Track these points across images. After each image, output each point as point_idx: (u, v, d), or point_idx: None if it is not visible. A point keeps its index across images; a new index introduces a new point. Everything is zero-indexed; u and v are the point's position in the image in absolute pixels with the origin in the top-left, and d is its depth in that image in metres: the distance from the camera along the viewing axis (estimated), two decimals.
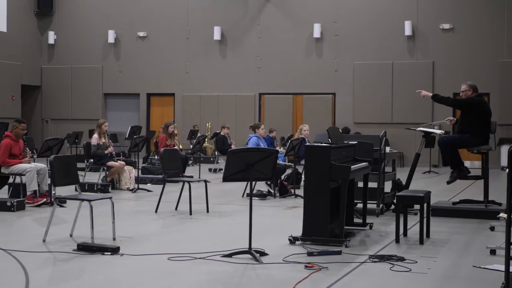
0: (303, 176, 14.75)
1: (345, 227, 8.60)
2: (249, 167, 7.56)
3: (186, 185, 11.40)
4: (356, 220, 9.84)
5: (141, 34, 26.85)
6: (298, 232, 8.49)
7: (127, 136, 22.07)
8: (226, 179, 7.75)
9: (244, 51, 25.55)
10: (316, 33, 24.48)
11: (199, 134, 21.84)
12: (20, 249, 7.79)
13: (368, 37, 24.13)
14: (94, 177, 15.11)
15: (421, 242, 8.53)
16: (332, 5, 24.61)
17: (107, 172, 14.49)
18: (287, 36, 24.98)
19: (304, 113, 24.74)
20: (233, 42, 25.71)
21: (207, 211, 11.17)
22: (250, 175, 7.63)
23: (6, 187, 12.22)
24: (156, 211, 11.11)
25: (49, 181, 11.75)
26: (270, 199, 13.18)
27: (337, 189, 8.53)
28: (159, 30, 26.53)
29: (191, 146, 22.44)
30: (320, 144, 8.84)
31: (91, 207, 8.15)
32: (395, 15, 23.82)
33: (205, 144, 23.45)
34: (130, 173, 14.69)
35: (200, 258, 7.48)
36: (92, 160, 14.65)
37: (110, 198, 8.73)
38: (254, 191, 12.83)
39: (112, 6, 27.19)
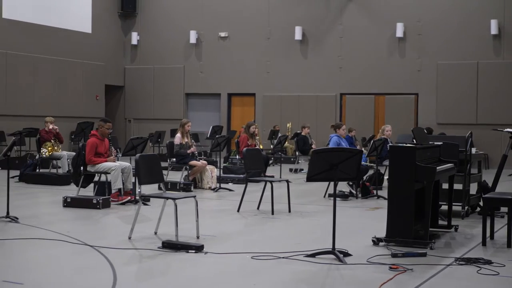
0: (385, 177, 14.65)
1: (430, 229, 8.46)
2: (333, 167, 7.51)
3: (268, 185, 11.42)
4: (440, 222, 9.66)
5: (222, 34, 27.03)
6: (381, 233, 8.40)
7: (208, 136, 22.24)
8: (310, 179, 7.73)
9: (326, 51, 25.44)
10: (399, 33, 24.18)
11: (280, 134, 21.85)
12: (107, 245, 7.92)
13: (453, 36, 23.70)
14: (176, 176, 15.28)
15: (509, 245, 8.32)
16: (415, 4, 24.27)
17: (190, 171, 14.63)
18: (369, 36, 24.77)
19: (386, 113, 24.48)
20: (314, 42, 25.64)
21: (289, 211, 11.15)
22: (334, 175, 7.57)
23: (92, 185, 12.47)
24: (238, 210, 11.16)
25: (133, 179, 11.98)
26: (352, 199, 13.08)
27: (421, 190, 8.40)
28: (241, 30, 26.65)
29: (271, 146, 22.48)
30: (405, 145, 8.72)
31: (176, 206, 8.23)
32: (481, 13, 23.32)
33: (286, 144, 23.43)
34: (212, 173, 14.80)
35: (283, 257, 7.47)
36: (174, 159, 14.81)
37: (194, 196, 8.80)
38: (336, 192, 12.72)
39: (194, 6, 27.45)
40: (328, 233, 7.78)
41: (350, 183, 13.39)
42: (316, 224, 10.24)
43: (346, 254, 7.58)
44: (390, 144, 13.68)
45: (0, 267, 6.50)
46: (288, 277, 6.68)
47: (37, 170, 15.95)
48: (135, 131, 27.35)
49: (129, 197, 11.85)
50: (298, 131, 21.83)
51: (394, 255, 7.59)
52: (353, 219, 10.78)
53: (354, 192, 13.34)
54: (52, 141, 15.91)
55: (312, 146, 19.79)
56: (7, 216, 9.72)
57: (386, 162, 14.18)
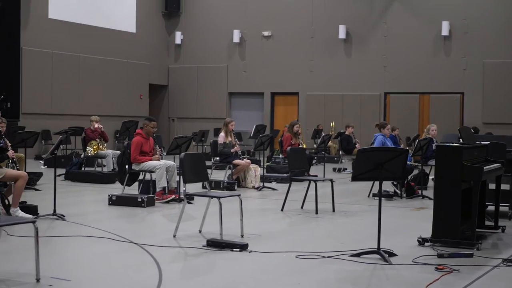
0: (430, 177, 14.52)
1: (477, 229, 8.35)
2: (378, 166, 7.45)
3: (312, 184, 11.38)
4: (487, 222, 9.53)
5: (265, 33, 27.05)
6: (426, 233, 8.31)
7: (251, 135, 22.26)
8: (355, 178, 7.68)
9: (370, 50, 25.32)
10: (444, 31, 23.96)
11: (323, 134, 21.78)
12: (152, 243, 7.97)
13: (499, 34, 23.41)
14: (220, 175, 15.32)
15: None
16: (461, 2, 24.03)
17: (233, 170, 14.66)
18: (414, 34, 24.58)
19: (431, 112, 24.27)
20: (358, 41, 25.52)
21: (333, 210, 11.10)
22: (380, 174, 7.52)
23: (137, 183, 12.55)
24: (282, 210, 11.14)
25: (177, 178, 12.04)
26: (396, 199, 12.97)
27: (468, 191, 8.30)
28: (284, 29, 26.64)
29: (314, 146, 22.43)
30: (451, 144, 8.61)
31: (220, 204, 8.25)
32: None
33: (329, 143, 23.36)
34: (255, 172, 14.81)
35: (328, 257, 7.44)
36: (218, 158, 14.85)
37: (239, 195, 8.82)
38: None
39: (237, 6, 27.51)
40: (372, 233, 7.72)
41: (395, 182, 13.29)
42: (360, 223, 10.18)
43: (391, 254, 7.52)
44: (436, 143, 13.54)
45: (48, 264, 6.56)
46: (333, 277, 6.66)
47: (83, 169, 16.12)
48: (178, 130, 27.50)
49: (173, 196, 11.91)
50: (342, 130, 21.74)
51: (440, 256, 7.51)
52: (397, 219, 10.70)
53: (398, 192, 13.23)
54: (97, 139, 16.06)
55: (356, 145, 19.69)
56: (54, 213, 9.83)
57: (431, 162, 14.07)
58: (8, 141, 10.09)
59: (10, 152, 9.88)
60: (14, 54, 22.63)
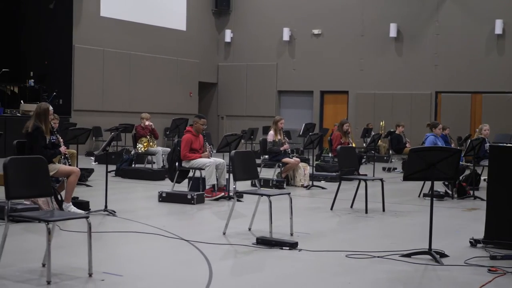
0: (482, 177, 14.32)
1: None
2: (430, 166, 7.37)
3: (361, 183, 11.31)
4: None
5: (315, 31, 26.98)
6: (478, 234, 8.20)
7: (300, 133, 22.22)
8: (406, 178, 7.61)
9: (421, 48, 25.07)
10: (498, 29, 23.59)
11: (373, 133, 21.63)
12: (202, 240, 8.00)
13: None
14: (269, 173, 15.31)
15: None
16: None
17: (282, 169, 14.64)
18: (466, 33, 24.26)
19: (483, 112, 23.93)
20: (409, 39, 25.29)
21: (383, 210, 11.02)
22: (432, 174, 7.43)
23: (186, 180, 12.61)
24: (331, 208, 11.09)
25: (227, 175, 12.07)
26: (447, 200, 12.81)
27: None
28: (334, 27, 26.53)
29: (364, 144, 22.30)
30: (505, 145, 8.48)
31: (270, 202, 8.25)
32: None
33: (379, 142, 23.18)
34: (304, 170, 14.76)
35: (378, 256, 7.38)
36: (267, 156, 14.84)
37: (289, 194, 8.80)
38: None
39: (287, 3, 27.47)
40: (422, 233, 7.65)
41: (446, 183, 13.12)
42: (411, 224, 10.09)
43: (443, 255, 7.43)
44: (488, 144, 13.36)
45: (100, 259, 6.63)
46: (383, 277, 6.60)
47: (133, 165, 16.26)
48: (227, 128, 27.58)
49: (223, 193, 11.94)
50: (392, 130, 21.57)
51: (493, 257, 7.40)
52: (449, 219, 10.57)
53: (450, 192, 13.07)
54: (148, 137, 16.18)
55: (406, 145, 19.51)
56: (105, 209, 9.94)
57: (484, 162, 13.86)
58: (60, 137, 10.21)
59: (63, 148, 10.00)
60: (67, 51, 22.97)
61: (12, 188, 6.14)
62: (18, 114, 20.82)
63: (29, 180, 6.36)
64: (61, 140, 10.16)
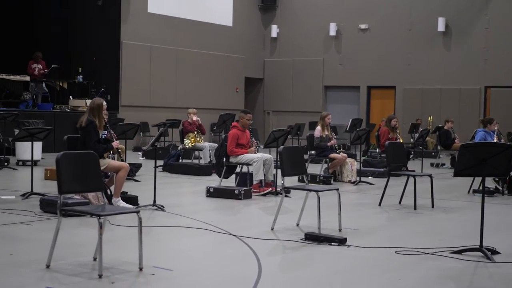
0: None
1: None
2: (481, 162, 7.27)
3: (410, 179, 11.22)
4: None
5: (362, 26, 26.81)
6: None
7: (347, 129, 22.10)
8: (457, 173, 7.52)
9: (470, 43, 24.75)
10: None
11: (421, 128, 21.44)
12: (250, 236, 8.01)
13: None
14: (316, 169, 15.28)
15: None
16: None
17: (329, 164, 14.59)
18: None
19: None
20: (458, 33, 24.98)
21: (432, 206, 10.91)
22: (483, 170, 7.33)
23: (234, 176, 12.64)
24: (379, 204, 11.02)
25: (274, 171, 12.07)
26: (497, 196, 12.64)
27: None
28: (381, 22, 26.34)
29: (411, 140, 22.11)
30: None
31: (319, 198, 8.23)
32: None
33: (427, 138, 22.97)
34: (352, 166, 14.69)
35: (428, 253, 7.32)
36: (314, 151, 14.80)
37: (337, 189, 8.76)
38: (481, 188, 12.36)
39: None
40: (472, 230, 7.55)
41: (496, 179, 12.95)
42: (461, 220, 9.98)
43: (494, 252, 7.33)
44: None
45: (150, 253, 6.69)
46: (433, 273, 6.54)
47: (180, 161, 16.35)
48: (273, 123, 27.58)
49: (270, 189, 11.94)
50: (440, 125, 21.34)
51: None
52: (499, 216, 10.43)
53: (500, 188, 12.90)
54: (195, 132, 16.24)
55: (455, 140, 19.27)
56: (154, 204, 10.01)
57: None
58: (113, 132, 10.31)
59: (115, 143, 10.09)
60: (115, 47, 23.19)
61: (64, 183, 6.21)
62: (67, 110, 21.09)
63: (81, 175, 6.43)
64: (114, 135, 10.26)
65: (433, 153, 21.57)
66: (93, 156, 6.64)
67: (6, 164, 15.46)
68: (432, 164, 19.10)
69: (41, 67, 20.98)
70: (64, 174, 6.23)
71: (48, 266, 6.21)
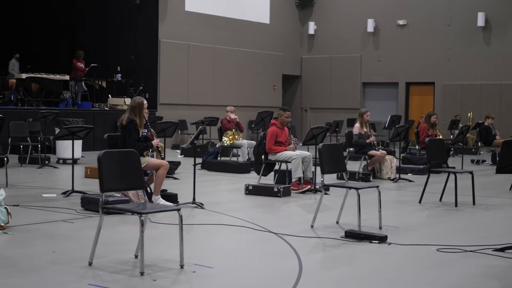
0: None
1: None
2: None
3: (450, 176, 11.11)
4: None
5: (400, 22, 26.64)
6: None
7: (386, 125, 21.97)
8: (500, 170, 7.44)
9: (510, 37, 24.43)
10: None
11: (461, 124, 21.23)
12: (290, 233, 7.99)
13: None
14: (354, 166, 15.19)
15: None
16: None
17: (368, 161, 14.51)
18: None
19: None
20: (498, 28, 24.69)
21: (473, 203, 10.79)
22: None
23: (272, 173, 12.63)
24: (420, 202, 10.93)
25: (313, 168, 12.03)
26: None
27: None
28: (420, 17, 26.14)
29: (451, 137, 21.91)
30: None
31: (359, 195, 8.19)
32: None
33: (467, 134, 22.73)
34: (391, 163, 14.59)
35: (470, 251, 7.24)
36: (353, 148, 14.74)
37: (377, 187, 8.71)
38: None
39: None
40: None
41: None
42: (502, 217, 9.86)
43: None
44: None
45: (191, 251, 6.70)
46: (476, 271, 6.46)
47: (218, 158, 16.38)
48: (311, 121, 27.53)
49: (309, 186, 11.91)
50: (480, 121, 21.11)
51: None
52: None
53: None
54: (233, 130, 16.26)
55: (496, 137, 19.05)
56: (193, 202, 10.05)
57: None
58: (153, 131, 10.37)
59: (155, 141, 10.15)
60: (153, 46, 23.32)
61: (106, 181, 6.26)
62: (106, 108, 21.27)
63: (122, 173, 6.47)
64: (154, 133, 10.32)
65: (473, 150, 21.36)
66: (135, 154, 6.67)
67: (47, 162, 15.64)
68: (472, 161, 18.90)
69: (83, 66, 21.25)
70: (106, 172, 6.28)
71: (90, 264, 6.27)
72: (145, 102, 10.10)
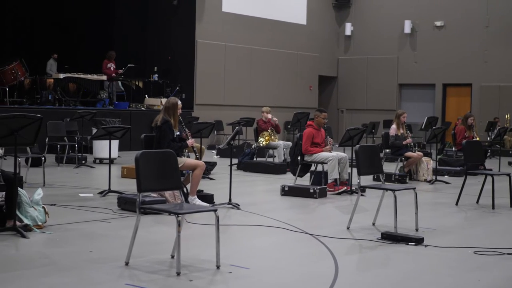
0: None
1: None
2: None
3: (488, 178, 11.01)
4: None
5: (438, 23, 26.45)
6: None
7: (422, 127, 21.84)
8: None
9: None
10: None
11: (498, 126, 21.03)
12: (326, 234, 7.99)
13: None
14: (391, 168, 15.14)
15: None
16: None
17: (405, 163, 14.44)
18: None
19: None
20: None
21: (511, 205, 10.68)
22: None
23: (308, 174, 12.63)
24: (456, 204, 10.85)
25: (349, 169, 12.00)
26: None
27: None
28: (457, 19, 25.94)
29: (488, 138, 21.71)
30: None
31: (395, 197, 8.15)
32: None
33: (504, 136, 22.49)
34: (428, 164, 14.50)
35: (507, 253, 7.18)
36: (389, 150, 14.67)
37: (414, 188, 8.66)
38: None
39: None
40: None
41: None
42: None
43: None
44: None
45: (227, 252, 6.73)
46: None
47: (254, 159, 16.40)
48: (347, 122, 27.45)
49: (345, 187, 11.88)
50: None
51: None
52: None
53: None
54: (269, 130, 16.26)
55: None
56: (229, 202, 10.08)
57: None
58: (188, 131, 10.43)
59: (190, 141, 10.20)
60: (189, 47, 23.43)
61: (143, 181, 6.31)
62: (142, 108, 21.41)
63: (160, 174, 6.52)
64: (189, 133, 10.37)
65: (510, 152, 21.16)
66: (172, 154, 6.72)
67: (83, 162, 15.78)
68: (510, 163, 18.72)
69: (114, 67, 21.40)
70: (143, 173, 6.32)
71: (127, 263, 6.32)
72: (179, 102, 10.16)
